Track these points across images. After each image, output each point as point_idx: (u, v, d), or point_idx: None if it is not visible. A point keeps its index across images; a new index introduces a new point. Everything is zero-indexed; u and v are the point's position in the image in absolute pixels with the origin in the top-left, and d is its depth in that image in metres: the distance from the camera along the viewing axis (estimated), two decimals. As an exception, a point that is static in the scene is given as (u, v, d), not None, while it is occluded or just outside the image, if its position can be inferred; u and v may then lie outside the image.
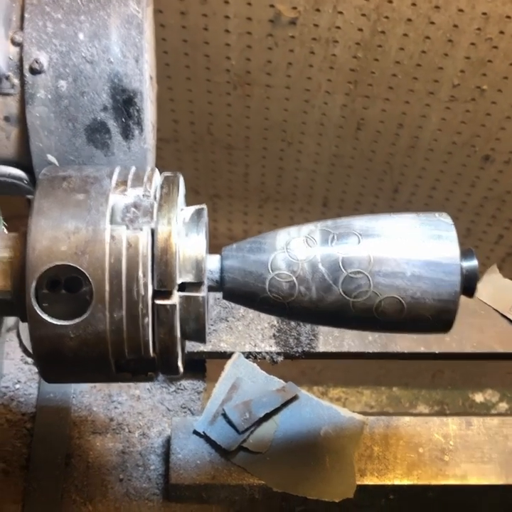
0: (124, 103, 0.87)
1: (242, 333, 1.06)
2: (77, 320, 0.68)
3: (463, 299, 1.10)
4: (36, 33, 0.86)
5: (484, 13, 1.35)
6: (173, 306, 0.69)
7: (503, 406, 1.77)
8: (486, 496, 1.00)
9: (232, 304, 1.06)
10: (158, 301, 0.69)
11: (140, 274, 0.68)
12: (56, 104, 0.87)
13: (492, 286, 1.08)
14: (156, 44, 1.51)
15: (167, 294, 0.69)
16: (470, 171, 1.71)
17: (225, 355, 1.05)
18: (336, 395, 1.74)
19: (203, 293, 0.72)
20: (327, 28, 1.46)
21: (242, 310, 1.07)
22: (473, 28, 1.39)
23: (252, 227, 2.02)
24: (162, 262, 0.69)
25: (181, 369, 0.75)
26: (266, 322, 1.06)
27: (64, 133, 0.88)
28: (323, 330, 1.05)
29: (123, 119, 0.88)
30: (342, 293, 0.72)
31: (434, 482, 0.97)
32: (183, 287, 0.72)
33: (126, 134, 0.89)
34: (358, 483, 0.96)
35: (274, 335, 1.05)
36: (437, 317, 0.73)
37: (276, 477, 0.96)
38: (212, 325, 1.06)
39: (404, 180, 1.79)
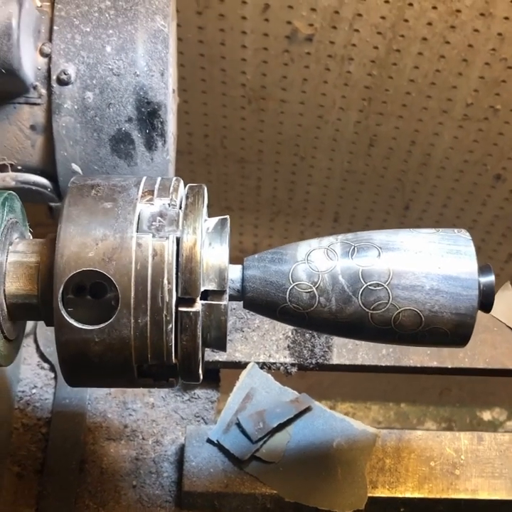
0: (149, 115, 0.89)
1: (256, 344, 1.07)
2: (102, 325, 0.69)
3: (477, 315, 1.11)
4: (64, 45, 0.88)
5: (499, 34, 1.37)
6: (197, 313, 0.70)
7: (511, 425, 1.77)
8: (497, 511, 1.00)
9: (248, 315, 1.08)
10: (181, 308, 0.70)
11: (165, 281, 0.69)
12: (82, 114, 0.89)
13: (505, 303, 1.09)
14: (174, 58, 1.53)
15: (191, 302, 0.71)
16: (481, 189, 1.72)
17: (240, 365, 1.06)
18: (343, 409, 1.74)
19: (224, 301, 0.73)
20: (343, 46, 1.47)
21: (257, 320, 1.08)
22: (488, 48, 1.41)
23: (263, 241, 2.03)
24: (187, 270, 0.70)
25: (201, 376, 0.76)
26: (281, 333, 1.07)
27: (89, 143, 0.90)
28: (337, 342, 1.06)
29: (147, 131, 0.90)
30: (361, 305, 0.73)
31: (445, 496, 0.97)
32: (205, 295, 0.73)
33: (150, 145, 0.90)
34: (370, 495, 0.97)
35: (288, 346, 1.06)
36: (454, 331, 0.74)
37: (289, 487, 0.97)
38: (227, 335, 1.07)
39: (416, 197, 1.80)
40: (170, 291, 0.69)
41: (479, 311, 1.11)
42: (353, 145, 1.70)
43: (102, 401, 1.07)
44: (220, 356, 1.05)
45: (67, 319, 0.69)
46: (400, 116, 1.60)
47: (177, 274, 0.70)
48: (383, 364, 1.05)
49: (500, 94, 1.50)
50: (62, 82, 0.88)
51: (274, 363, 1.06)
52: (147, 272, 0.69)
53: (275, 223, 1.98)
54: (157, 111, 0.89)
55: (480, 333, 1.07)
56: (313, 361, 1.05)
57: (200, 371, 0.74)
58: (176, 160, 1.82)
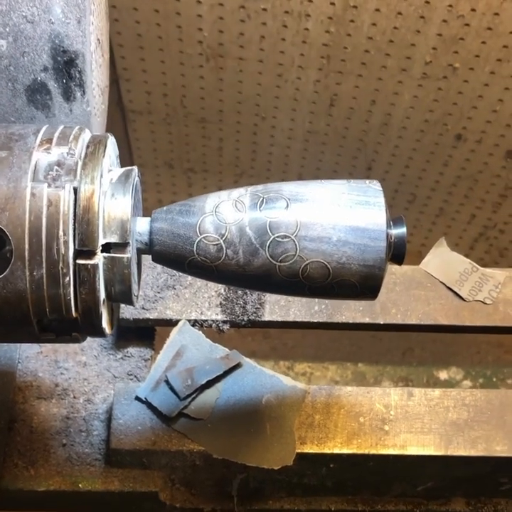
0: (65, 64, 0.87)
1: (188, 301, 1.06)
2: (-4, 278, 0.68)
3: (411, 271, 1.10)
4: (-24, -8, 0.85)
5: (456, -10, 1.34)
6: (95, 265, 0.69)
7: (467, 383, 1.77)
8: (426, 467, 1.00)
9: (180, 272, 1.06)
10: (79, 261, 0.69)
11: (60, 232, 0.68)
12: (-4, 64, 0.86)
13: (439, 259, 1.08)
14: (128, 14, 1.50)
15: (89, 254, 0.69)
16: (442, 149, 1.70)
17: (171, 323, 1.04)
18: (301, 370, 1.74)
19: (128, 254, 0.71)
20: (299, 1, 1.45)
21: (189, 278, 1.07)
22: (445, 4, 1.38)
23: (228, 203, 2.01)
24: (84, 221, 0.68)
25: (107, 331, 0.74)
26: (213, 290, 1.06)
27: (4, 93, 0.87)
28: (269, 299, 1.05)
29: (64, 81, 0.87)
30: (268, 257, 0.72)
31: (373, 451, 0.97)
32: (108, 248, 0.71)
33: (68, 95, 0.88)
34: (298, 451, 0.97)
35: (220, 303, 1.05)
36: (363, 283, 0.73)
37: (217, 444, 0.96)
38: (158, 293, 1.05)
39: (378, 157, 1.78)
40: (66, 242, 0.68)
41: (418, 268, 1.11)
42: (313, 105, 1.68)
43: (33, 360, 1.05)
44: (150, 314, 1.04)
45: (-41, 272, 0.67)
46: (360, 74, 1.58)
47: (74, 225, 0.68)
48: (315, 320, 1.04)
49: (458, 52, 1.47)
50: (-27, 31, 0.86)
51: (206, 321, 1.04)
52: (41, 223, 0.67)
53: (239, 185, 1.95)
54: (74, 60, 0.86)
55: (413, 288, 1.06)
56: (245, 318, 1.04)
57: (105, 325, 0.73)
58: (136, 120, 1.80)
